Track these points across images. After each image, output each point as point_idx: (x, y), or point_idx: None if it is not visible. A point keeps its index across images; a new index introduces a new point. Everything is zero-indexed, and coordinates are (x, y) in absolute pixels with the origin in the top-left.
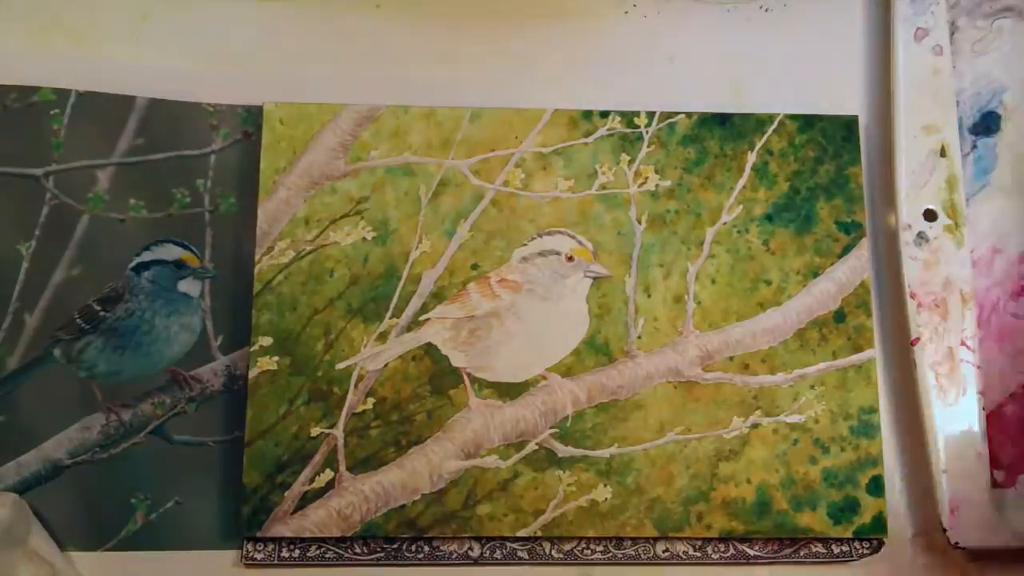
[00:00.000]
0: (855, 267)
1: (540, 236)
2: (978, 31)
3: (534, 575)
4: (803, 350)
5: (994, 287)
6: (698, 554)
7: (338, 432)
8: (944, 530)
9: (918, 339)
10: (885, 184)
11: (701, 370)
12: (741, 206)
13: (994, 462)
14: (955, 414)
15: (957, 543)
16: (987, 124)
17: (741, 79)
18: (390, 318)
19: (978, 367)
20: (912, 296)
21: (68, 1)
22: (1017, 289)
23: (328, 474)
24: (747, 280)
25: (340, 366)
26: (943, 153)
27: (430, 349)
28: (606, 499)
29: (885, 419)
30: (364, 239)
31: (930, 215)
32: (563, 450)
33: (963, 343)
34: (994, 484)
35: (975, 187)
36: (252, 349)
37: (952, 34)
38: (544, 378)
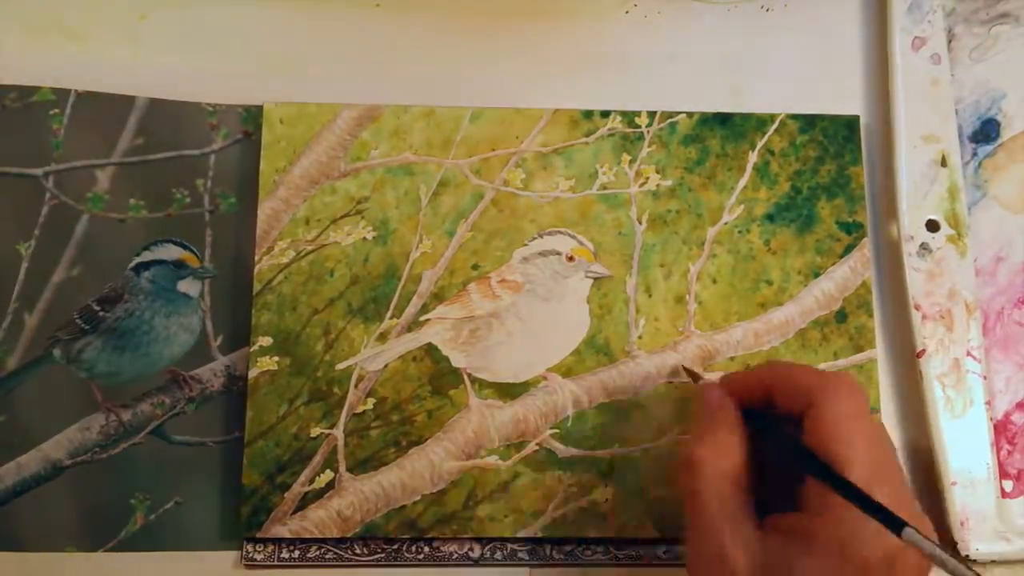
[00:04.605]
0: (856, 267)
1: (541, 236)
2: (975, 38)
3: None
4: (804, 350)
5: (998, 295)
6: None
7: (338, 432)
8: (955, 543)
9: (924, 351)
10: (886, 188)
11: (702, 370)
12: (742, 206)
13: (1001, 472)
14: (963, 426)
15: (968, 556)
16: (987, 131)
17: (742, 79)
18: (390, 318)
19: (984, 377)
20: (917, 308)
21: (68, 1)
22: (1022, 297)
23: (328, 475)
24: (748, 280)
25: (340, 366)
26: (943, 163)
27: (430, 349)
28: (607, 500)
29: (886, 420)
30: (364, 239)
31: (932, 225)
32: (564, 450)
33: (969, 354)
34: (1002, 495)
35: (976, 195)
36: (252, 349)
37: (949, 42)
38: (544, 378)
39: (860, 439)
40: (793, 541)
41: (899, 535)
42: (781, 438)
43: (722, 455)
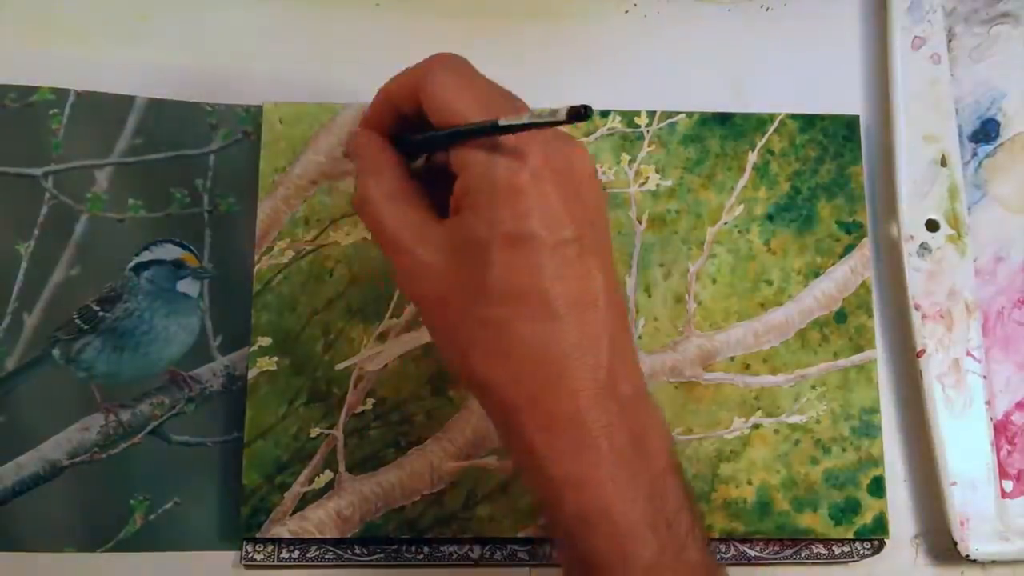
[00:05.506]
0: (856, 267)
1: None
2: (975, 38)
3: None
4: (804, 350)
5: (998, 295)
6: None
7: (338, 432)
8: (955, 543)
9: (923, 351)
10: (886, 188)
11: (702, 370)
12: (742, 206)
13: (1001, 472)
14: (963, 426)
15: (968, 555)
16: (987, 131)
17: (742, 78)
18: (390, 318)
19: (984, 377)
20: (917, 307)
21: (68, 1)
22: (1022, 297)
23: (327, 475)
24: (748, 280)
25: (340, 366)
26: (943, 163)
27: (430, 349)
28: None
29: (886, 420)
30: (364, 239)
31: (932, 225)
32: None
33: (969, 354)
34: (1002, 495)
35: (976, 195)
36: (251, 349)
37: (949, 41)
38: None
39: (465, 92)
40: (459, 207)
41: (498, 129)
42: (417, 140)
43: (381, 179)
